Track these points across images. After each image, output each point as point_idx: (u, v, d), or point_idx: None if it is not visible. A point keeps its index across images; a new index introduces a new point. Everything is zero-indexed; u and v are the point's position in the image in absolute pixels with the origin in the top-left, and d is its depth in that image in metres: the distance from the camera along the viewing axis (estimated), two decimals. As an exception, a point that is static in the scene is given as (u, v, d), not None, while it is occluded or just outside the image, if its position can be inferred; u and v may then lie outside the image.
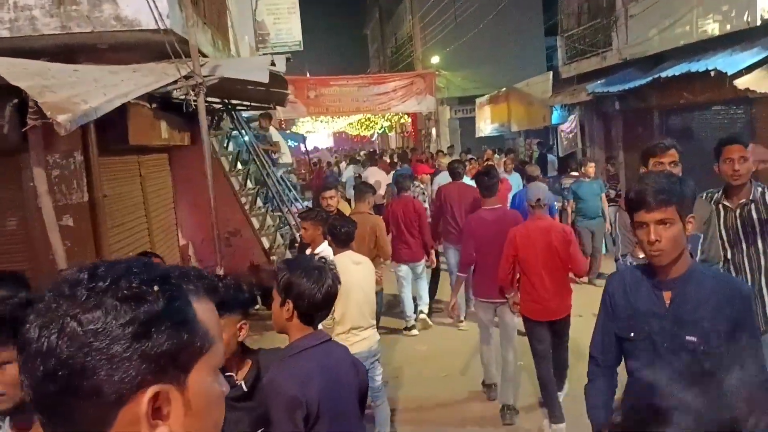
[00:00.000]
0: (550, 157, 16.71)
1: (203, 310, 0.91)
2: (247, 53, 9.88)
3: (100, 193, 5.11)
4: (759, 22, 8.20)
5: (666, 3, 10.28)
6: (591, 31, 13.49)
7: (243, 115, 11.32)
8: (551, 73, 15.72)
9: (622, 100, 12.78)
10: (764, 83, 7.88)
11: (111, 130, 5.16)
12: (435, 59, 26.03)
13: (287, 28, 12.87)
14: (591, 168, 9.65)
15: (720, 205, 3.77)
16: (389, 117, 30.70)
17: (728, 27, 8.85)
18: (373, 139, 43.29)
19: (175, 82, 4.19)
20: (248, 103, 8.16)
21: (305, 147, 20.65)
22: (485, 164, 11.57)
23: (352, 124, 35.73)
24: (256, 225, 8.44)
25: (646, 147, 3.62)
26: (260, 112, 9.60)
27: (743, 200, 3.69)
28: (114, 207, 5.78)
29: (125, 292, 0.83)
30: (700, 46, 9.69)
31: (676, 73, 9.38)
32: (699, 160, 10.96)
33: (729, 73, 8.18)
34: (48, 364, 0.80)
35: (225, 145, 8.77)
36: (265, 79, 4.32)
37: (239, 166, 8.88)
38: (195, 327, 0.88)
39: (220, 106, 8.05)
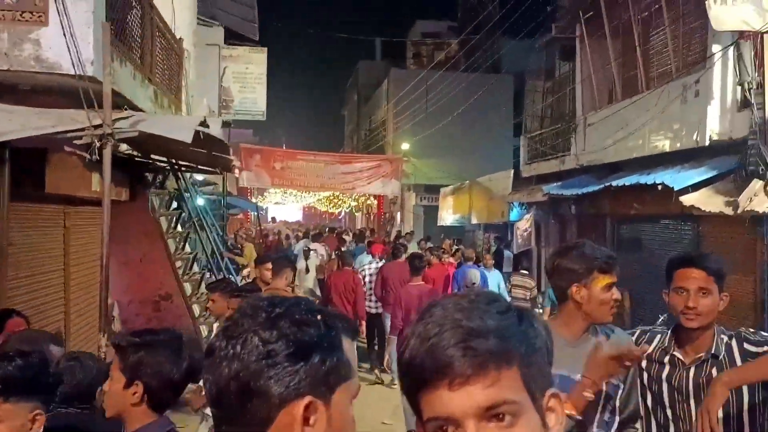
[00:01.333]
0: (507, 252, 16.72)
1: (348, 345, 1.11)
2: (203, 114, 9.80)
3: (5, 241, 4.77)
4: (707, 143, 8.42)
5: (621, 115, 10.58)
6: (552, 134, 13.81)
7: (198, 178, 11.14)
8: (512, 170, 15.97)
9: (578, 204, 12.93)
10: (709, 202, 7.99)
11: (28, 176, 4.90)
12: (405, 145, 26.44)
13: (252, 98, 12.93)
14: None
15: (668, 356, 2.59)
16: (356, 197, 30.87)
17: (678, 145, 9.07)
18: (340, 217, 43.41)
19: (83, 129, 3.98)
20: (194, 165, 7.96)
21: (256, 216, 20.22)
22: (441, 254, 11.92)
23: (320, 200, 35.87)
24: (188, 291, 8.07)
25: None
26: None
27: (701, 354, 2.51)
28: (23, 257, 5.42)
29: (296, 317, 1.05)
30: (653, 159, 9.90)
31: (627, 183, 9.51)
32: (647, 273, 11.10)
33: (675, 189, 8.30)
34: (232, 367, 1.02)
35: (167, 204, 8.50)
36: (188, 139, 4.15)
37: (180, 228, 8.59)
38: (343, 356, 1.08)
39: (165, 165, 7.83)
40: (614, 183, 9.86)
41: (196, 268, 8.65)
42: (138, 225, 8.07)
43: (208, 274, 8.79)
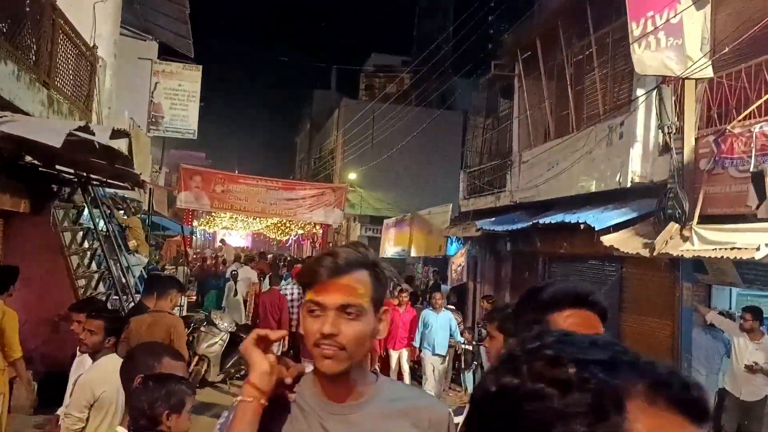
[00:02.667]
0: (444, 287, 16.61)
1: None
2: (125, 128, 9.43)
3: None
4: (629, 185, 8.47)
5: (553, 154, 10.63)
6: (490, 170, 13.84)
7: (123, 195, 10.67)
8: (451, 205, 15.93)
9: (513, 241, 12.92)
10: (628, 243, 8.00)
11: None
12: (353, 175, 26.34)
13: (184, 115, 12.61)
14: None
15: None
16: (302, 225, 30.50)
17: (603, 185, 9.12)
18: (288, 244, 42.82)
19: None
20: (103, 179, 7.58)
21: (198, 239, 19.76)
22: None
23: (269, 227, 35.36)
24: (88, 312, 7.58)
25: None
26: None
27: None
28: None
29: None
30: (581, 199, 9.94)
31: (552, 221, 9.50)
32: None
33: (597, 229, 8.30)
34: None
35: (74, 219, 8.06)
36: (58, 144, 3.85)
37: (86, 244, 8.14)
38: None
39: (72, 177, 7.43)
40: (541, 221, 9.84)
41: (102, 288, 8.18)
42: (38, 239, 7.61)
43: (116, 295, 8.32)
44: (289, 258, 24.91)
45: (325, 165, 31.86)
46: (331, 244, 29.93)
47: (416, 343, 9.70)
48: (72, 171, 7.39)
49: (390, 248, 21.77)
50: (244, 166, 40.39)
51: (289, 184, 22.58)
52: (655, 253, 7.43)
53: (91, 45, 7.34)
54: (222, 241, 37.67)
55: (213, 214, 29.85)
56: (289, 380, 1.49)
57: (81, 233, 8.05)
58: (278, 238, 39.29)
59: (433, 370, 9.64)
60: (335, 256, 1.45)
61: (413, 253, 19.05)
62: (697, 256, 6.98)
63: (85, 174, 7.61)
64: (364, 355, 1.50)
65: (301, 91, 45.32)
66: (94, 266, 8.18)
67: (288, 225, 32.12)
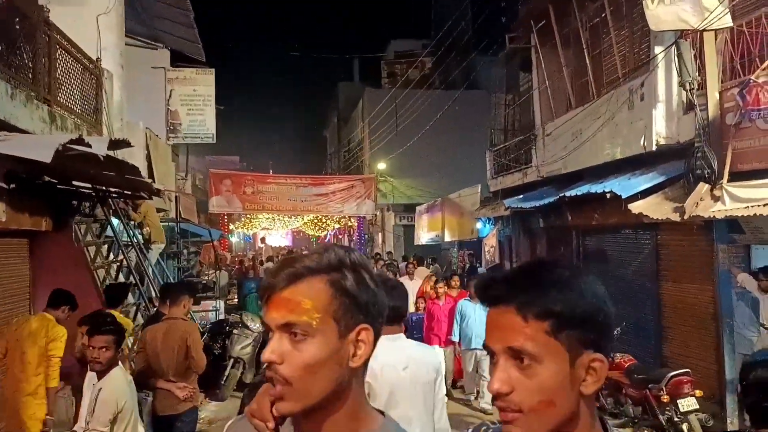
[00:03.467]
0: (480, 269, 16.41)
1: None
2: (141, 140, 9.50)
3: None
4: (654, 147, 8.14)
5: (575, 124, 10.31)
6: (515, 147, 13.54)
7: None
8: (480, 185, 15.68)
9: (545, 217, 12.63)
10: (657, 209, 7.69)
11: None
12: (382, 165, 26.20)
13: (201, 120, 12.67)
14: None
15: None
16: (338, 219, 30.59)
17: (628, 151, 8.79)
18: (326, 240, 43.03)
19: None
20: (119, 191, 7.62)
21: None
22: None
23: (306, 223, 35.55)
24: (117, 324, 7.65)
25: None
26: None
27: None
28: None
29: None
30: (608, 167, 9.61)
31: (578, 193, 9.22)
32: (610, 285, 10.77)
33: (623, 197, 8.01)
34: None
35: (97, 233, 8.14)
36: (48, 159, 3.83)
37: (112, 256, 8.22)
38: None
39: (90, 191, 7.49)
40: (568, 193, 9.56)
41: (131, 298, 8.26)
42: (63, 256, 7.71)
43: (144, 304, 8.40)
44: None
45: (355, 157, 31.81)
46: (366, 237, 29.95)
47: (454, 337, 8.73)
48: (90, 186, 7.43)
49: (424, 234, 21.61)
50: (278, 166, 40.71)
51: (317, 179, 22.60)
52: (685, 217, 7.11)
53: (96, 57, 7.37)
54: (262, 240, 38.10)
55: (250, 216, 30.24)
56: None
57: (105, 246, 8.13)
58: (316, 234, 39.56)
59: (476, 367, 8.62)
60: (281, 264, 1.19)
61: (447, 238, 18.85)
62: (730, 215, 6.65)
63: (102, 188, 7.66)
64: (333, 390, 1.15)
65: (327, 86, 45.38)
66: (122, 278, 8.26)
67: (324, 220, 32.27)
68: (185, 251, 17.57)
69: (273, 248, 35.48)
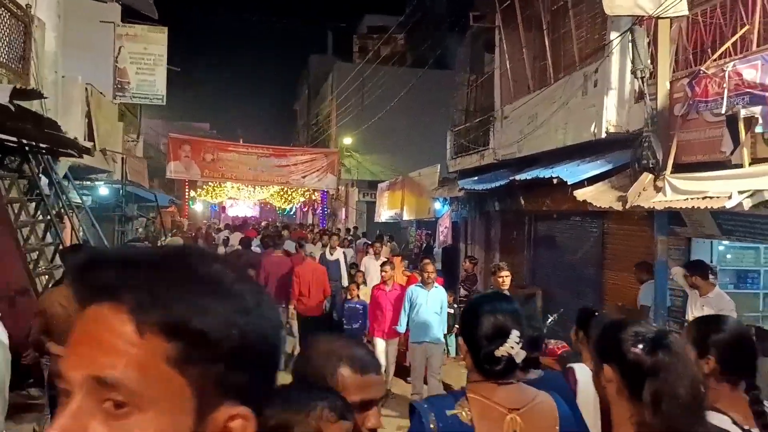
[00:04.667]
0: (436, 250, 16.33)
1: None
2: (80, 95, 9.07)
3: None
4: (604, 135, 8.04)
5: (532, 108, 10.18)
6: (474, 128, 13.39)
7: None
8: (439, 165, 15.52)
9: (500, 201, 12.53)
10: (602, 197, 7.61)
11: None
12: (348, 140, 25.90)
13: (151, 80, 12.22)
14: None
15: None
16: (303, 192, 30.22)
17: (579, 138, 8.69)
18: (292, 213, 42.61)
19: None
20: (48, 147, 7.26)
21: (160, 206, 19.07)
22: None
23: (273, 195, 35.10)
24: (40, 286, 7.37)
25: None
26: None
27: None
28: None
29: None
30: (562, 153, 9.51)
31: (528, 178, 9.11)
32: (559, 271, 10.78)
33: (569, 183, 7.92)
34: None
35: (25, 190, 7.78)
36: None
37: (40, 216, 7.87)
38: None
39: (15, 145, 7.12)
40: (518, 177, 9.45)
41: (58, 260, 7.93)
42: (-15, 212, 7.35)
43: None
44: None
45: (322, 131, 31.44)
46: (329, 212, 29.69)
47: (400, 328, 7.61)
48: (15, 139, 7.06)
49: (384, 212, 21.44)
50: (248, 137, 40.04)
51: (279, 150, 22.26)
52: (627, 206, 7.04)
53: (26, 4, 6.95)
54: (223, 209, 37.58)
55: (213, 184, 29.69)
56: None
57: (33, 204, 7.77)
58: (283, 207, 39.12)
59: (425, 362, 7.46)
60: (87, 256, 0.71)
61: (405, 216, 18.71)
62: (669, 207, 6.58)
63: (31, 143, 7.29)
64: None
65: (300, 58, 44.67)
66: (49, 238, 7.92)
67: (289, 193, 31.88)
68: (139, 216, 17.17)
69: (231, 218, 35.00)
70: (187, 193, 27.17)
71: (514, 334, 1.88)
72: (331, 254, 11.30)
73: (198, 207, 38.56)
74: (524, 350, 1.90)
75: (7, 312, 8.20)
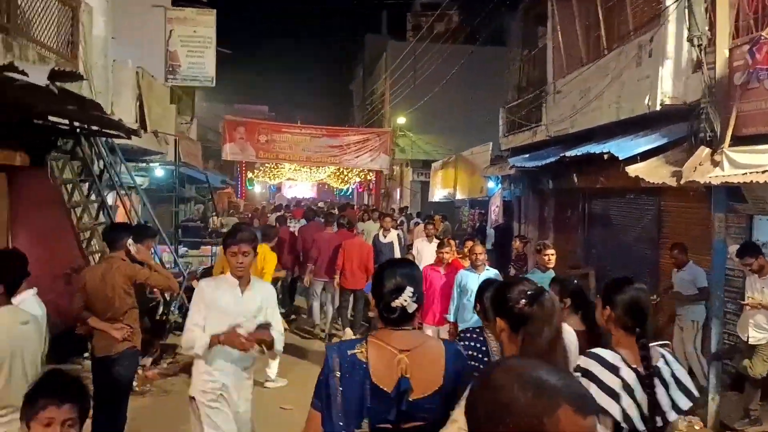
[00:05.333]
0: (489, 230, 16.10)
1: None
2: (130, 79, 9.26)
3: None
4: (659, 107, 7.66)
5: (584, 81, 9.81)
6: (527, 105, 13.04)
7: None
8: (491, 143, 15.23)
9: (554, 179, 12.21)
10: (655, 172, 7.27)
11: None
12: (402, 120, 25.75)
13: (201, 62, 12.38)
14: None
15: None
16: (358, 173, 30.27)
17: (632, 111, 8.31)
18: (348, 193, 42.87)
19: None
20: (98, 129, 7.44)
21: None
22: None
23: (330, 176, 35.36)
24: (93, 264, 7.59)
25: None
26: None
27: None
28: None
29: None
30: (617, 127, 9.13)
31: (578, 154, 8.80)
32: (614, 251, 10.40)
33: (621, 158, 7.60)
34: None
35: (79, 171, 8.01)
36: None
37: (93, 196, 8.10)
38: None
39: (68, 128, 7.33)
40: (568, 154, 9.14)
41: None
42: (40, 193, 7.61)
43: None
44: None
45: (376, 111, 31.35)
46: (383, 191, 29.66)
47: (450, 316, 6.76)
48: (66, 122, 7.27)
49: (438, 192, 21.31)
50: (306, 117, 40.29)
51: (333, 131, 22.29)
52: (682, 182, 6.70)
53: (74, -10, 7.12)
54: (278, 189, 38.11)
55: (270, 165, 30.04)
56: None
57: (86, 185, 8.01)
58: (340, 187, 39.34)
59: None
60: None
61: (458, 196, 18.53)
62: (727, 182, 6.22)
63: (80, 125, 7.49)
64: None
65: (355, 37, 44.54)
66: (102, 218, 8.16)
67: (346, 173, 32.00)
68: (196, 197, 17.57)
69: (288, 199, 35.40)
70: (244, 175, 27.59)
71: (408, 290, 2.33)
72: (385, 237, 10.81)
73: (257, 188, 39.12)
74: (416, 304, 2.36)
75: (63, 289, 8.56)
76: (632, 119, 8.53)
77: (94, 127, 7.53)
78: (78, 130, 7.36)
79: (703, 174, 6.47)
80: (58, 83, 5.24)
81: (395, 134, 25.25)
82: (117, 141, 8.85)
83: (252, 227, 11.68)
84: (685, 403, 2.61)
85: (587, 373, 2.46)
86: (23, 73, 4.19)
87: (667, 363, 2.65)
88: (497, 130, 15.83)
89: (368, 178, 31.74)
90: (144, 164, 11.53)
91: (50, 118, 7.07)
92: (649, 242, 9.24)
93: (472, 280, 6.49)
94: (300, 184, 42.99)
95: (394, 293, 2.34)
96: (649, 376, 2.53)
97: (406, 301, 2.33)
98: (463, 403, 1.58)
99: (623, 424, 2.46)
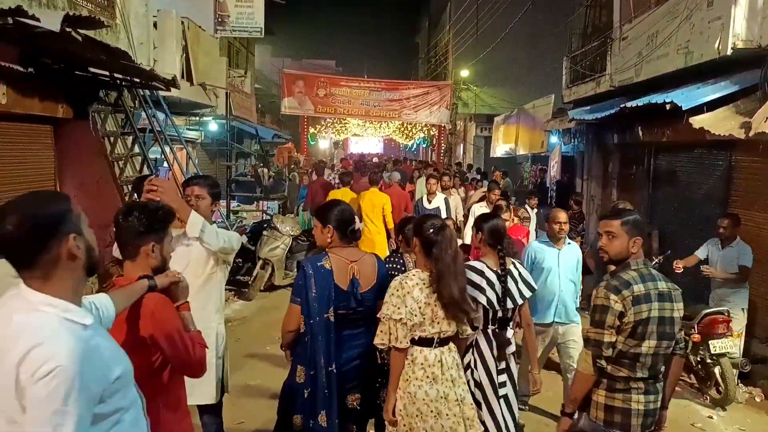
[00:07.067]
0: (548, 185, 15.49)
1: None
2: (175, 29, 9.13)
3: None
4: (729, 52, 6.94)
5: (651, 25, 9.05)
6: (591, 52, 12.25)
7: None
8: (552, 96, 14.48)
9: (619, 132, 11.49)
10: (722, 124, 6.62)
11: None
12: (465, 73, 24.97)
13: (249, 12, 12.14)
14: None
15: None
16: (421, 128, 29.75)
17: (702, 57, 7.59)
18: (413, 149, 42.36)
19: None
20: (131, 80, 7.37)
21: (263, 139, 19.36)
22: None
23: (395, 131, 34.96)
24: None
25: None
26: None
27: None
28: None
29: None
30: (688, 74, 8.39)
31: (639, 104, 8.15)
32: (681, 209, 9.72)
33: (684, 108, 6.96)
34: None
35: (122, 123, 8.03)
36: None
37: (137, 149, 8.12)
38: None
39: (108, 79, 7.29)
40: (629, 104, 8.49)
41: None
42: (85, 145, 7.68)
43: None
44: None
45: (440, 64, 30.57)
46: (445, 147, 29.06)
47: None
48: (107, 73, 7.23)
49: (499, 147, 20.66)
50: (372, 71, 39.81)
51: (392, 84, 21.88)
52: (750, 134, 6.06)
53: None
54: (336, 144, 37.96)
55: (333, 120, 29.90)
56: None
57: (130, 138, 8.03)
58: (405, 143, 38.86)
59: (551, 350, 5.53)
60: None
61: (520, 151, 17.88)
62: (802, 133, 5.58)
63: (123, 77, 7.44)
64: None
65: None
66: (146, 171, 8.19)
67: (410, 128, 31.53)
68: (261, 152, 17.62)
69: (348, 154, 35.15)
70: (306, 130, 27.53)
71: (357, 218, 3.59)
72: (429, 201, 9.26)
73: (324, 144, 38.96)
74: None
75: (113, 239, 8.70)
76: (702, 66, 7.81)
77: (136, 79, 7.46)
78: (119, 81, 7.31)
79: (776, 125, 5.82)
80: (82, 31, 5.13)
81: (458, 88, 24.56)
82: (163, 93, 8.81)
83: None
84: (527, 293, 3.87)
85: (467, 278, 3.51)
86: (34, 18, 4.06)
87: (515, 266, 3.89)
88: (561, 81, 15.04)
89: (431, 133, 31.23)
90: (195, 118, 11.55)
91: (90, 69, 7.03)
92: (718, 200, 8.56)
93: (550, 256, 5.24)
94: (365, 140, 42.66)
95: (350, 221, 3.50)
96: (504, 275, 3.73)
97: (355, 227, 3.52)
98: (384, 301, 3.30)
99: (487, 307, 3.69)
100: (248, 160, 20.37)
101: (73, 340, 1.62)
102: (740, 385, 6.39)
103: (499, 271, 3.70)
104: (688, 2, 7.93)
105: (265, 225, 9.79)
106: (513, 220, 6.92)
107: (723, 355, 5.84)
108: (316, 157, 34.89)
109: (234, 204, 11.71)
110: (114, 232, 4.67)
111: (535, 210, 9.77)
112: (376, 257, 3.58)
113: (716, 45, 7.09)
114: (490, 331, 3.73)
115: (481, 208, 8.85)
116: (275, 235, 9.23)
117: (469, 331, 3.46)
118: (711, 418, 5.84)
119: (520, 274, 3.85)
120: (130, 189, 7.73)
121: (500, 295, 3.68)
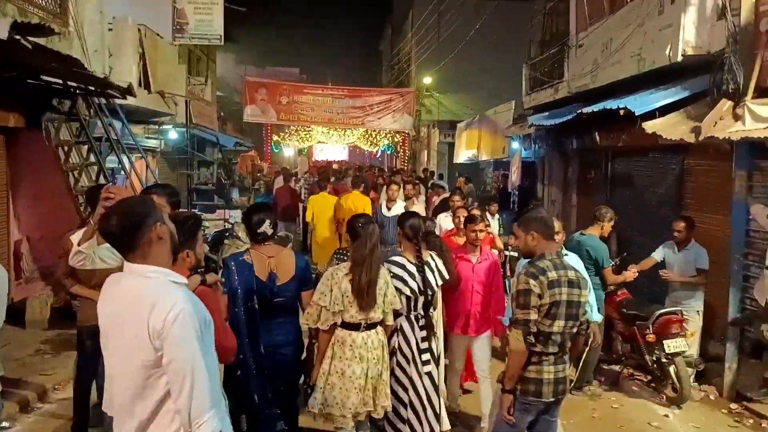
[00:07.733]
0: (514, 194, 15.66)
1: None
2: (132, 37, 9.01)
3: None
4: (680, 58, 7.13)
5: (606, 32, 9.25)
6: (549, 59, 12.46)
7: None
8: (513, 102, 14.68)
9: (577, 138, 11.69)
10: (674, 129, 6.80)
11: None
12: (427, 80, 25.14)
13: (208, 20, 12.06)
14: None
15: None
16: (386, 134, 29.81)
17: (653, 63, 7.78)
18: (378, 155, 42.39)
19: None
20: (86, 88, 7.24)
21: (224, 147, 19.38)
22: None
23: (360, 138, 34.93)
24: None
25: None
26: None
27: None
28: None
29: None
30: (640, 81, 8.58)
31: (594, 110, 8.32)
32: (637, 212, 9.94)
33: (637, 113, 7.13)
34: None
35: (77, 132, 7.87)
36: None
37: (93, 158, 7.97)
38: None
39: (61, 87, 7.15)
40: (584, 110, 8.66)
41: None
42: (38, 155, 7.52)
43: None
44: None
45: (403, 71, 30.71)
46: (408, 153, 29.18)
47: (505, 319, 4.72)
48: (60, 81, 7.10)
49: (462, 153, 20.81)
50: (337, 79, 39.70)
51: (355, 91, 21.89)
52: (700, 138, 6.24)
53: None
54: (300, 153, 37.82)
55: (296, 127, 29.77)
56: None
57: (86, 147, 7.87)
58: (369, 150, 38.84)
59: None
60: None
61: (483, 157, 18.05)
62: (748, 137, 5.76)
63: (77, 85, 7.31)
64: None
65: (384, -4, 43.57)
66: (102, 181, 8.04)
67: (374, 135, 31.57)
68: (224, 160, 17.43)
69: (313, 162, 34.96)
70: (269, 137, 27.34)
71: (267, 222, 3.98)
72: (389, 209, 8.70)
73: (288, 152, 38.63)
74: (272, 230, 4.02)
75: (58, 252, 8.53)
76: (654, 72, 8.01)
77: (90, 87, 7.33)
78: (73, 89, 7.17)
79: (724, 129, 6.01)
80: (33, 39, 5.03)
81: (420, 94, 24.71)
82: (120, 102, 8.67)
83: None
84: (440, 282, 4.42)
85: (391, 272, 4.20)
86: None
87: (433, 259, 4.45)
88: (521, 88, 15.24)
89: (395, 140, 31.31)
90: (155, 126, 11.38)
91: (43, 77, 6.89)
92: (671, 203, 8.77)
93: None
94: (330, 147, 42.48)
95: (259, 224, 3.94)
96: (422, 266, 4.28)
97: (266, 228, 3.95)
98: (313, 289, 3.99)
99: (410, 295, 4.23)
100: (210, 168, 20.16)
101: (181, 293, 2.19)
102: (695, 383, 6.54)
103: (417, 263, 4.27)
104: (640, 10, 8.13)
105: (227, 234, 9.69)
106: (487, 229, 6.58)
107: (678, 354, 5.97)
108: (280, 165, 34.66)
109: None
110: (65, 243, 4.56)
111: (496, 216, 9.89)
112: (293, 252, 4.17)
113: (667, 52, 7.28)
114: (413, 316, 4.27)
115: (446, 218, 8.44)
116: (237, 244, 9.10)
117: (391, 319, 4.10)
118: (667, 416, 5.96)
119: (436, 265, 4.42)
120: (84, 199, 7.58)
121: (420, 284, 4.23)
